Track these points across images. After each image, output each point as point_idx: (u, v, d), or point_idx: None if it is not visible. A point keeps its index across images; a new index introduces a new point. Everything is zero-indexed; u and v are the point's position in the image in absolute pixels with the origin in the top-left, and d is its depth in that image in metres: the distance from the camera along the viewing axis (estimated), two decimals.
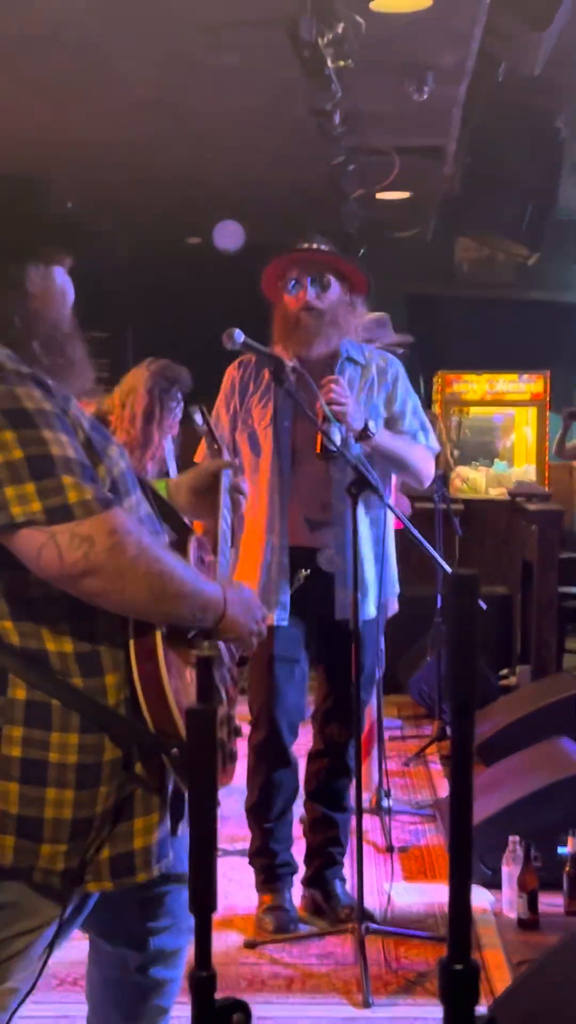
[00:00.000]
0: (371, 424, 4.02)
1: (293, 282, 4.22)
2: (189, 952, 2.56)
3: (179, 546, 2.46)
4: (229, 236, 7.64)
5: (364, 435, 4.01)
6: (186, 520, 2.68)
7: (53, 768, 2.18)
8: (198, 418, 3.39)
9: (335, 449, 3.90)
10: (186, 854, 2.45)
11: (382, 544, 4.27)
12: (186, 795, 2.36)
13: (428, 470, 4.33)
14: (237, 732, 2.50)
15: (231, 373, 4.32)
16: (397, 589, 4.54)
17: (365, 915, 3.97)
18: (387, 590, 4.36)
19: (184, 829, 2.46)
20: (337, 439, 3.91)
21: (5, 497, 2.10)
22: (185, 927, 2.54)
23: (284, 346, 4.18)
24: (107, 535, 2.12)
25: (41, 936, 2.26)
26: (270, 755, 4.33)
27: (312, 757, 4.50)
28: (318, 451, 3.96)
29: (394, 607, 4.61)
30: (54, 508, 2.10)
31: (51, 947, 2.30)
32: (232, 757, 2.56)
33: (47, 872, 2.20)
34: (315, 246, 4.25)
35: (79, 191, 2.48)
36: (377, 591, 4.29)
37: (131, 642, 2.22)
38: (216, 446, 3.19)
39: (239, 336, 3.88)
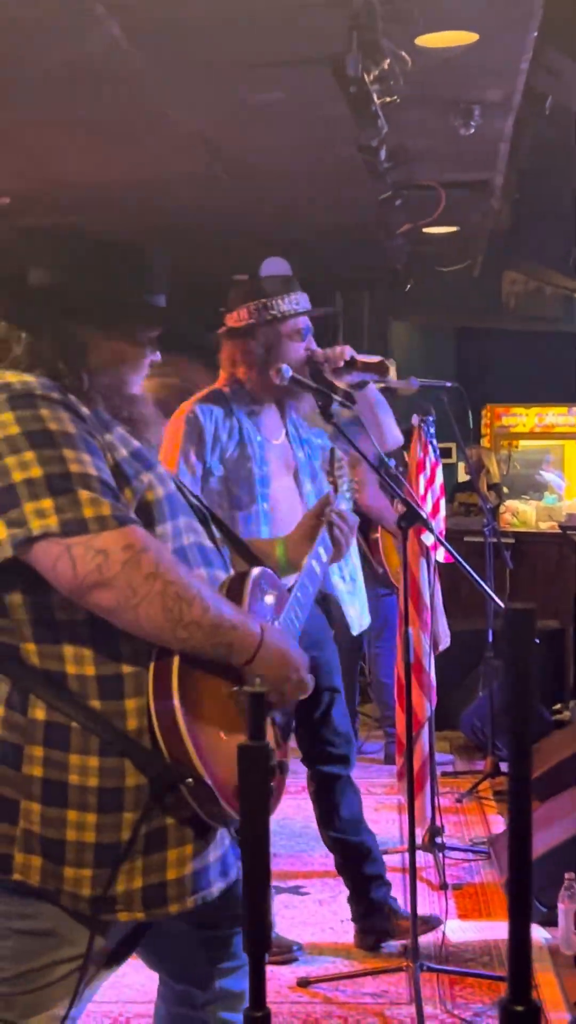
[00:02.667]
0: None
1: (308, 329, 4.18)
2: None
3: (238, 580, 2.44)
4: (275, 273, 7.65)
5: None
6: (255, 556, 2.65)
7: (74, 790, 2.18)
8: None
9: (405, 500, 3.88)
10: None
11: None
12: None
13: None
14: (283, 769, 2.46)
15: (196, 421, 4.03)
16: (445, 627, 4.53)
17: (420, 954, 3.93)
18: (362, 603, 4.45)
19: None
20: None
21: (24, 512, 2.13)
22: None
23: (261, 378, 4.11)
24: (122, 549, 2.13)
25: (85, 966, 2.24)
26: None
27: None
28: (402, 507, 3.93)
29: (445, 642, 4.58)
30: (69, 521, 2.13)
31: (93, 977, 2.28)
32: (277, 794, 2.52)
33: (75, 897, 2.20)
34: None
35: (123, 227, 2.49)
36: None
37: (151, 669, 2.21)
38: (333, 482, 3.10)
39: (287, 372, 3.91)
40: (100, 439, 2.26)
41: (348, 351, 4.20)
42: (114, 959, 2.33)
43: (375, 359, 4.33)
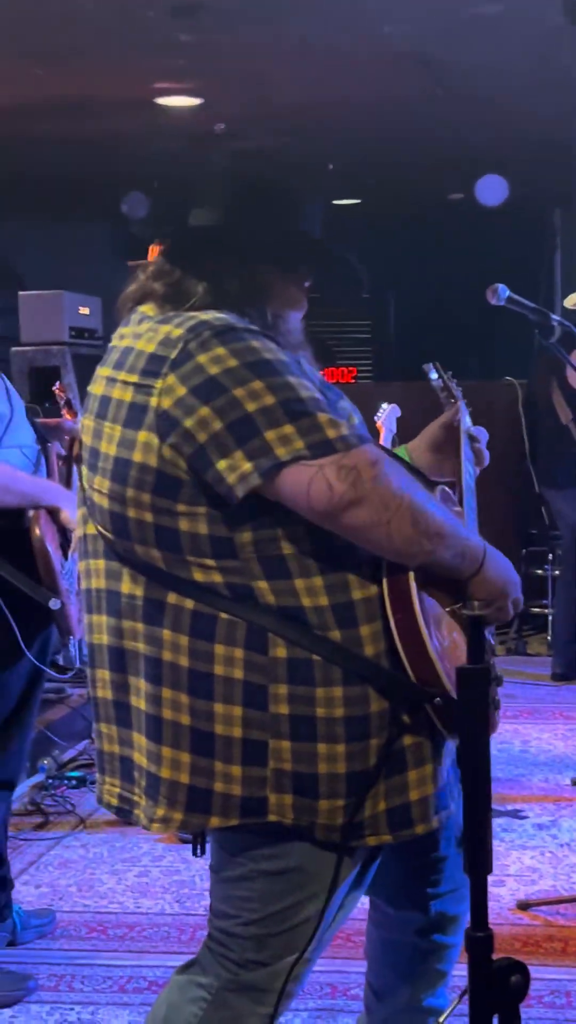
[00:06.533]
0: None
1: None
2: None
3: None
4: (492, 191, 7.52)
5: None
6: (430, 478, 2.64)
7: (321, 723, 2.19)
8: (432, 373, 3.36)
9: None
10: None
11: None
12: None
13: None
14: (499, 681, 2.45)
15: None
16: None
17: None
18: None
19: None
20: None
21: (266, 440, 2.12)
22: (467, 894, 2.53)
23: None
24: (370, 466, 2.12)
25: (331, 899, 2.27)
26: None
27: None
28: None
29: None
30: (317, 443, 2.12)
31: (341, 910, 2.31)
32: (497, 705, 2.52)
33: (328, 828, 2.21)
34: None
35: (338, 150, 2.48)
36: None
37: (385, 591, 2.21)
38: (453, 400, 3.11)
39: (504, 291, 3.83)
40: (302, 367, 2.26)
41: None
42: (357, 885, 2.36)
43: None
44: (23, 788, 5.05)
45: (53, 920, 3.92)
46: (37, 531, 3.41)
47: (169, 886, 4.24)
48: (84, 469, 2.34)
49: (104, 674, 2.33)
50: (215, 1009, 2.30)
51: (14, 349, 7.79)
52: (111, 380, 2.27)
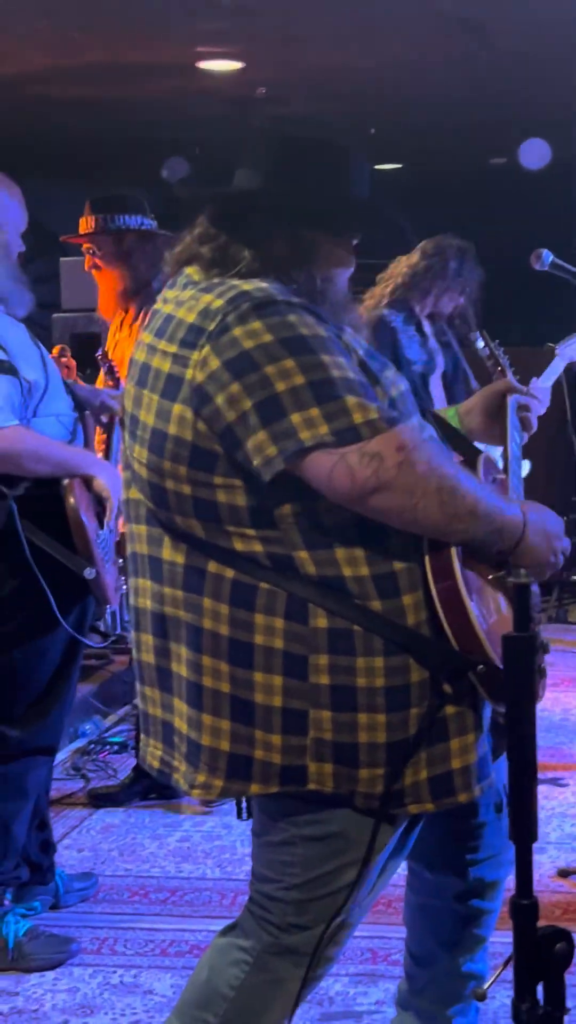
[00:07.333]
0: None
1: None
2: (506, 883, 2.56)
3: (468, 467, 2.41)
4: (535, 155, 7.45)
5: None
6: (474, 444, 2.63)
7: (362, 693, 2.19)
8: (479, 342, 3.35)
9: None
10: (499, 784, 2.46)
11: None
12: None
13: None
14: (545, 648, 2.44)
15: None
16: None
17: None
18: None
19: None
20: None
21: (292, 423, 2.11)
22: (505, 859, 2.53)
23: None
24: (395, 451, 2.11)
25: (371, 864, 2.27)
26: None
27: None
28: None
29: None
30: (341, 430, 2.10)
31: (382, 875, 2.32)
32: (543, 673, 2.51)
33: (368, 796, 2.22)
34: None
35: (378, 115, 2.45)
36: None
37: (427, 561, 2.20)
38: (500, 368, 3.10)
39: (547, 256, 3.80)
40: (343, 340, 2.23)
41: None
42: (398, 851, 2.36)
43: None
44: (65, 753, 5.08)
45: (95, 884, 3.95)
46: (72, 500, 3.42)
47: (211, 851, 4.26)
48: (126, 435, 2.34)
49: (147, 638, 2.33)
50: (257, 972, 2.31)
51: (55, 315, 7.79)
52: (152, 348, 2.27)
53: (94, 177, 10.06)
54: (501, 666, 2.12)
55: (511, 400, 2.73)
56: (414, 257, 5.25)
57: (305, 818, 2.26)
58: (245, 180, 2.33)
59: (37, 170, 9.49)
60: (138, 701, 2.42)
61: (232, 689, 2.21)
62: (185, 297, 2.25)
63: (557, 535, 2.32)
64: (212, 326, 2.16)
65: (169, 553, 2.27)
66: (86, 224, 4.74)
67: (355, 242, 2.40)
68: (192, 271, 2.31)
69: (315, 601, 2.18)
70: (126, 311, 4.78)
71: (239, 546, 2.20)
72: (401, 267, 5.27)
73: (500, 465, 2.64)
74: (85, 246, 4.78)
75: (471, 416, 2.74)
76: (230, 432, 2.14)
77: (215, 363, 2.14)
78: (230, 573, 2.21)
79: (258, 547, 2.19)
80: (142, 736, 2.42)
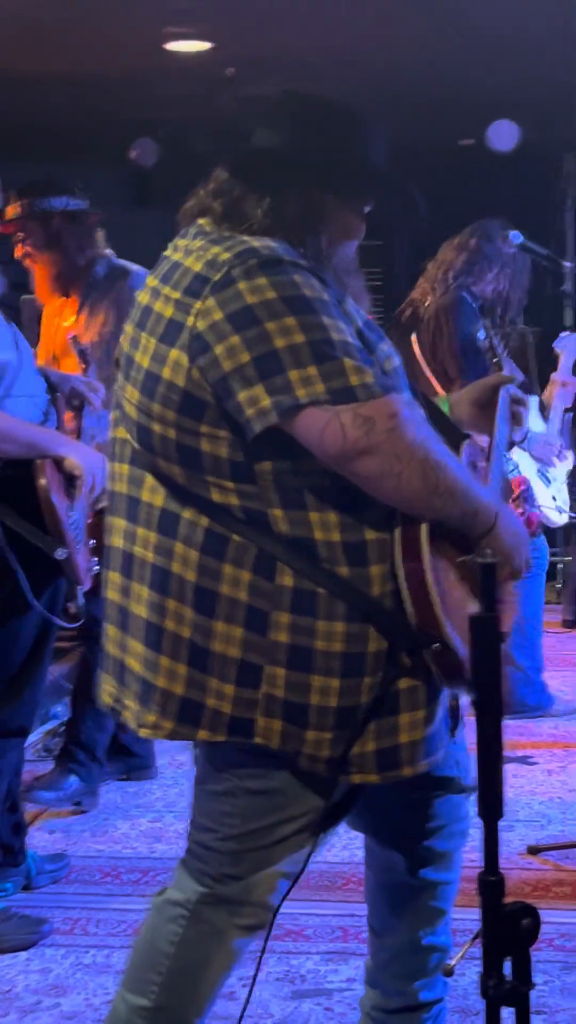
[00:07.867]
0: None
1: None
2: (465, 858, 2.58)
3: (452, 450, 2.44)
4: (503, 136, 7.45)
5: None
6: (460, 429, 2.66)
7: (319, 655, 2.21)
8: (480, 333, 3.36)
9: None
10: (456, 759, 2.49)
11: None
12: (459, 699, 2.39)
13: None
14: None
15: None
16: None
17: None
18: None
19: (458, 735, 2.48)
20: None
21: (289, 379, 2.13)
22: (457, 831, 2.56)
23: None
24: (388, 417, 2.14)
25: (309, 824, 2.31)
26: None
27: None
28: None
29: None
30: (338, 389, 2.13)
31: (316, 836, 2.34)
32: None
33: (312, 759, 2.25)
34: None
35: (348, 94, 2.45)
36: None
37: (397, 534, 2.22)
38: (496, 360, 3.13)
39: (516, 237, 3.82)
40: (343, 307, 2.26)
41: None
42: (331, 820, 2.38)
43: None
44: (36, 735, 5.08)
45: (67, 865, 3.96)
46: (43, 480, 3.42)
47: (183, 831, 4.25)
48: (120, 376, 2.37)
49: (115, 576, 2.37)
50: (194, 924, 2.36)
51: (24, 296, 7.74)
52: (155, 292, 2.30)
53: (59, 157, 10.01)
54: (456, 648, 2.17)
55: (503, 393, 2.76)
56: (468, 239, 5.23)
57: (248, 771, 2.30)
58: (265, 138, 2.36)
59: (3, 150, 9.44)
60: (102, 638, 2.45)
61: (192, 635, 2.24)
62: (195, 247, 2.29)
63: (525, 542, 2.37)
64: (217, 277, 2.20)
65: (148, 495, 2.31)
66: (12, 211, 4.66)
67: (367, 209, 2.43)
68: (205, 222, 2.35)
69: (283, 559, 2.21)
70: (66, 295, 4.73)
71: (216, 496, 2.23)
72: (450, 251, 5.26)
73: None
74: (17, 235, 4.70)
75: (461, 405, 2.79)
76: (224, 382, 2.17)
77: (218, 315, 2.17)
78: (204, 521, 2.24)
79: (234, 500, 2.22)
80: (101, 673, 2.45)
